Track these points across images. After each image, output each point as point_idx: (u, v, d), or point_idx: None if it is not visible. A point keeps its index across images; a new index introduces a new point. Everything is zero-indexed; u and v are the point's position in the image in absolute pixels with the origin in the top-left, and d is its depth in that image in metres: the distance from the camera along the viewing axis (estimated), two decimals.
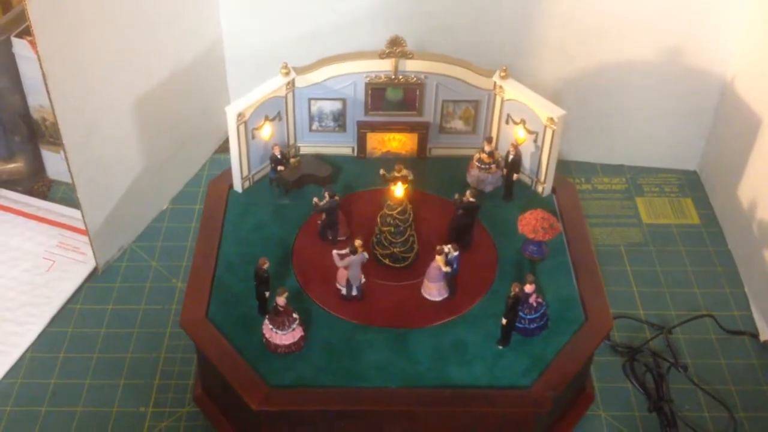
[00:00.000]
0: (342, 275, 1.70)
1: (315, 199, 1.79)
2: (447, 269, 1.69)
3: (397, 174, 1.76)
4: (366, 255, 1.69)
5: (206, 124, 2.32)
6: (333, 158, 2.02)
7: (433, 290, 1.73)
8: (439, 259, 1.68)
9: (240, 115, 1.84)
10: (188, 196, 2.30)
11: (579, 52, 2.25)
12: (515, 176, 1.94)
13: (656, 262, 2.17)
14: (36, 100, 2.20)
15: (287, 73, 1.91)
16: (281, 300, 1.60)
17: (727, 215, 2.25)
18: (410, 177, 1.77)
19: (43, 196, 2.29)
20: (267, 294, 1.67)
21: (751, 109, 2.12)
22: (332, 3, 2.18)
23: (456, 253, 1.72)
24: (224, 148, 2.38)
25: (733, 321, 2.02)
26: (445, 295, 1.73)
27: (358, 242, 1.67)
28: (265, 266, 1.65)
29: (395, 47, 1.89)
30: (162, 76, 2.10)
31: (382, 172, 1.79)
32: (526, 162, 1.96)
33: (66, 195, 2.30)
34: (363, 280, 1.71)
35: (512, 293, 1.61)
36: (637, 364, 1.90)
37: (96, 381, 1.87)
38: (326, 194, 1.78)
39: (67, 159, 1.91)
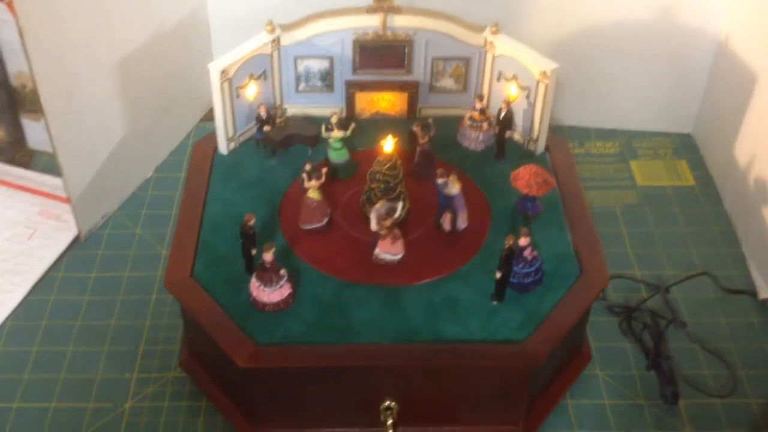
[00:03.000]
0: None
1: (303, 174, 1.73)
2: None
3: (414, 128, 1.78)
4: (373, 224, 1.64)
5: (191, 91, 2.27)
6: (321, 119, 1.95)
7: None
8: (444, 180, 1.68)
9: (223, 72, 1.79)
10: (173, 165, 2.25)
11: (569, 14, 2.20)
12: (507, 134, 1.89)
13: (651, 224, 2.13)
14: (15, 66, 2.15)
15: (272, 30, 1.86)
16: (268, 256, 1.55)
17: (723, 176, 2.21)
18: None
19: (25, 167, 2.23)
20: (254, 252, 1.62)
21: (746, 66, 2.08)
22: None
23: (440, 181, 1.69)
24: (210, 116, 2.31)
25: (730, 280, 1.98)
26: (447, 227, 1.72)
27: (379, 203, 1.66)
28: (251, 222, 1.60)
29: (383, 1, 1.84)
30: (144, 38, 2.05)
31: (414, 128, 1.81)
32: (519, 120, 1.91)
33: (48, 165, 2.24)
34: (398, 257, 1.66)
35: (506, 245, 1.56)
36: (634, 322, 1.85)
37: (79, 348, 1.82)
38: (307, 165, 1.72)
39: (46, 121, 1.86)
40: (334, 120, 1.80)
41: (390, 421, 1.58)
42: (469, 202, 1.78)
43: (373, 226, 1.63)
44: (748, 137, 2.09)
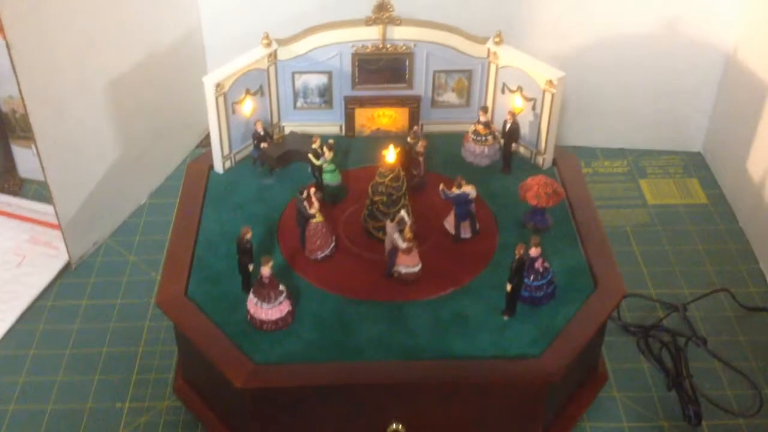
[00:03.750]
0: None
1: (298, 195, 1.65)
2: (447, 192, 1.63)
3: (419, 149, 1.71)
4: (401, 242, 1.55)
5: (186, 116, 2.21)
6: (321, 137, 1.89)
7: (448, 219, 1.66)
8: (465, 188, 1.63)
9: (218, 86, 1.73)
10: (168, 191, 2.18)
11: (573, 27, 2.15)
12: (514, 146, 1.82)
13: (665, 242, 2.05)
14: (5, 90, 2.09)
15: (269, 44, 1.80)
16: (266, 270, 1.47)
17: (737, 193, 2.13)
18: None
19: (14, 195, 2.16)
20: (251, 267, 1.54)
21: (757, 79, 2.03)
22: None
23: (458, 191, 1.64)
24: (207, 142, 2.24)
25: (750, 297, 1.89)
26: (467, 235, 1.65)
27: (401, 213, 1.58)
28: (248, 236, 1.52)
29: (382, 12, 1.78)
30: (137, 59, 1.99)
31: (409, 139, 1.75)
32: (525, 132, 1.84)
33: (39, 194, 2.18)
34: (415, 269, 1.57)
35: (516, 255, 1.48)
36: (652, 341, 1.76)
37: (68, 377, 1.74)
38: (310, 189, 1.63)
39: (36, 144, 1.80)
40: (316, 144, 1.73)
41: None
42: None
43: (402, 244, 1.55)
44: (761, 153, 2.02)
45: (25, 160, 2.18)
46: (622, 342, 1.80)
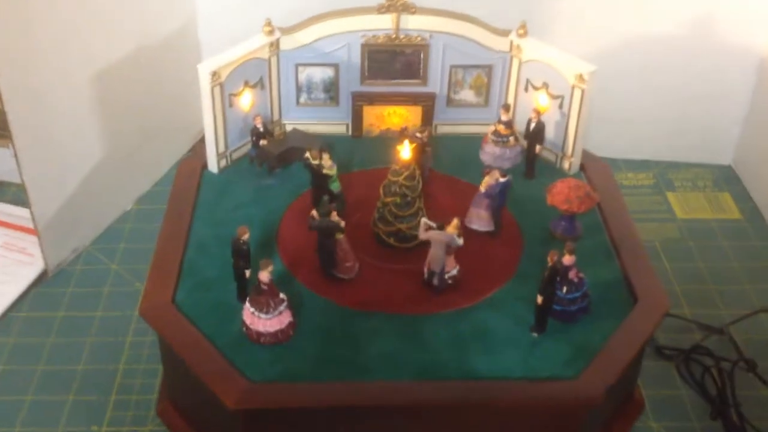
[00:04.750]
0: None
1: (313, 213, 1.46)
2: (482, 189, 1.48)
3: (419, 135, 1.49)
4: (460, 241, 1.38)
5: (178, 117, 2.04)
6: (324, 138, 1.72)
7: (473, 216, 1.49)
8: (484, 180, 1.48)
9: (215, 75, 1.56)
10: (157, 197, 2.00)
11: (594, 28, 1.98)
12: (538, 148, 1.65)
13: (697, 259, 1.88)
14: None
15: (271, 32, 1.64)
16: (264, 275, 1.29)
17: None
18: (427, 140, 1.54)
19: None
20: (248, 273, 1.36)
21: None
22: None
23: (503, 180, 1.48)
24: (200, 147, 2.09)
25: None
26: (487, 228, 1.49)
27: (454, 221, 1.38)
28: (245, 237, 1.35)
29: (396, 0, 1.62)
30: (126, 52, 1.83)
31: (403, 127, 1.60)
32: (550, 134, 1.68)
33: (16, 197, 1.99)
34: (454, 272, 1.40)
35: (549, 263, 1.30)
36: (692, 365, 1.59)
37: (39, 397, 1.55)
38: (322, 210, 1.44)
39: (11, 135, 1.62)
40: (313, 155, 1.54)
41: None
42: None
43: (460, 241, 1.38)
44: None
45: (2, 160, 2.00)
46: (657, 366, 1.63)
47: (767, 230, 1.97)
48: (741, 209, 2.03)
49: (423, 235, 1.39)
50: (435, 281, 1.40)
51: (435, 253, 1.38)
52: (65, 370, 1.59)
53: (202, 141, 1.67)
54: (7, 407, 1.52)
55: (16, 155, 1.66)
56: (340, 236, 1.41)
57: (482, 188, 1.50)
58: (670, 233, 1.95)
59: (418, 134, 1.58)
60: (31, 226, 1.79)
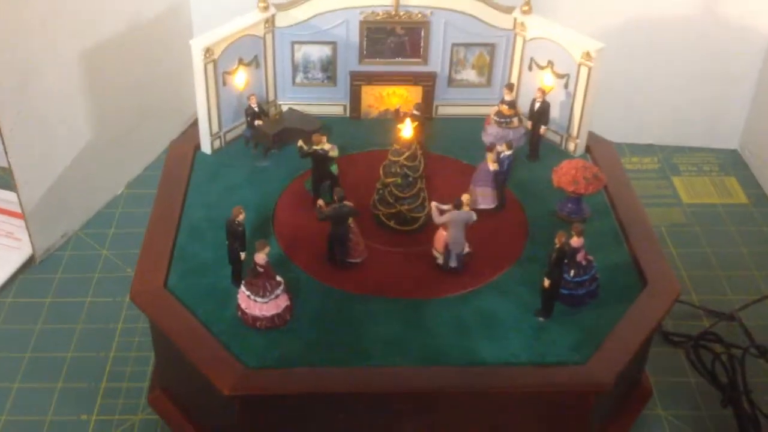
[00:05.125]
0: (439, 238, 1.35)
1: (320, 202, 1.41)
2: (495, 166, 1.42)
3: (417, 112, 1.44)
4: (474, 215, 1.33)
5: (171, 99, 1.98)
6: (321, 119, 1.67)
7: (478, 196, 1.43)
8: (489, 157, 1.43)
9: (208, 51, 1.50)
10: (148, 181, 1.94)
11: (599, 7, 1.93)
12: (543, 129, 1.60)
13: (704, 244, 1.83)
14: None
15: (266, 8, 1.58)
16: (261, 257, 1.24)
17: None
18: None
19: None
20: (243, 256, 1.31)
21: None
22: None
23: (509, 152, 1.44)
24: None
25: None
26: (492, 205, 1.44)
27: (465, 197, 1.32)
28: (240, 217, 1.29)
29: None
30: (116, 28, 1.77)
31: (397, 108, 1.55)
32: (555, 114, 1.63)
33: (2, 181, 1.93)
34: (467, 249, 1.35)
35: (556, 245, 1.25)
36: (702, 351, 1.54)
37: (26, 385, 1.50)
38: (335, 197, 1.39)
39: None
40: (317, 140, 1.47)
41: None
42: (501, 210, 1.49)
43: (475, 217, 1.34)
44: None
45: None
46: (665, 353, 1.58)
47: None
48: (748, 194, 1.98)
49: (440, 219, 1.33)
50: (454, 263, 1.34)
51: (455, 234, 1.33)
52: (54, 357, 1.54)
53: (195, 124, 1.62)
54: None
55: (1, 135, 1.60)
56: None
57: (493, 165, 1.44)
58: (676, 218, 1.90)
59: (416, 111, 1.52)
60: (17, 210, 1.74)
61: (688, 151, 2.11)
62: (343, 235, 1.35)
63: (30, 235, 1.70)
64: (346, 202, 1.34)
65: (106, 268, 1.72)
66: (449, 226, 1.33)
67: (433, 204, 1.35)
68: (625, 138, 2.11)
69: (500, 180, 1.45)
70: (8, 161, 1.63)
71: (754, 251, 1.81)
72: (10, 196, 1.82)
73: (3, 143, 1.61)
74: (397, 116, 1.53)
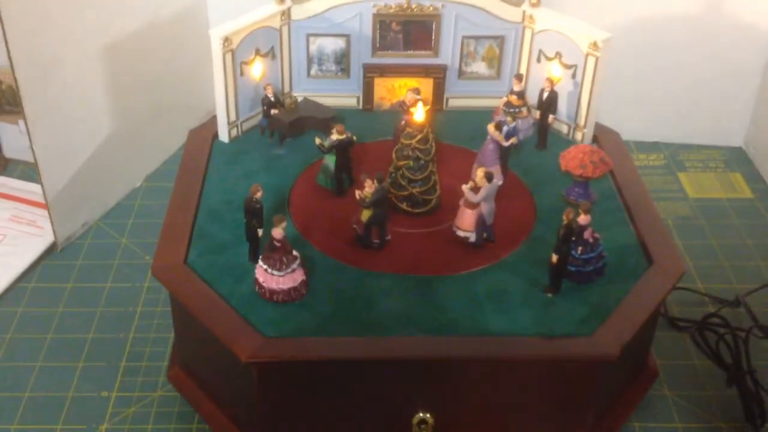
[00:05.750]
0: (468, 218, 1.39)
1: (318, 140, 1.48)
2: (501, 139, 1.49)
3: (417, 96, 1.49)
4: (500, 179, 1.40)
5: (188, 95, 2.03)
6: (335, 111, 1.72)
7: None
8: (492, 130, 1.48)
9: (226, 41, 1.56)
10: (166, 175, 1.99)
11: (604, 5, 1.97)
12: (551, 118, 1.65)
13: (709, 236, 1.87)
14: None
15: (282, 1, 1.63)
16: (278, 232, 1.28)
17: None
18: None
19: None
20: (260, 233, 1.35)
21: None
22: None
23: (514, 124, 1.49)
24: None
25: None
26: (501, 181, 1.47)
27: (479, 172, 1.38)
28: (258, 195, 1.34)
29: None
30: (136, 25, 1.82)
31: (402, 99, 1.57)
32: (562, 106, 1.67)
33: (25, 174, 1.99)
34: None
35: (564, 221, 1.29)
36: (708, 333, 1.57)
37: (48, 364, 1.54)
38: (334, 130, 1.45)
39: (22, 103, 1.61)
40: (339, 130, 1.52)
41: None
42: (510, 191, 1.53)
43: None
44: None
45: (11, 137, 2.00)
46: (670, 337, 1.62)
47: None
48: (753, 189, 2.02)
49: (479, 196, 1.38)
50: (486, 234, 1.40)
51: (490, 206, 1.39)
52: (75, 339, 1.58)
53: (213, 117, 1.67)
54: (17, 372, 1.51)
55: (27, 126, 1.65)
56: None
57: (503, 140, 1.51)
58: (682, 211, 1.94)
59: (417, 96, 1.57)
60: (39, 200, 1.79)
61: (694, 149, 2.15)
62: (385, 216, 1.39)
63: (52, 224, 1.75)
64: (384, 183, 1.38)
65: (125, 256, 1.77)
66: (487, 201, 1.37)
67: (465, 187, 1.38)
68: (632, 136, 2.14)
69: (503, 155, 1.49)
70: (33, 152, 1.68)
71: (758, 243, 1.85)
72: (33, 187, 1.87)
73: (28, 134, 1.66)
74: (402, 107, 1.58)
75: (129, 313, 1.64)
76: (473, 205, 1.38)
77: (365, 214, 1.38)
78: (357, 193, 1.39)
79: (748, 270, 1.77)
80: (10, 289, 1.67)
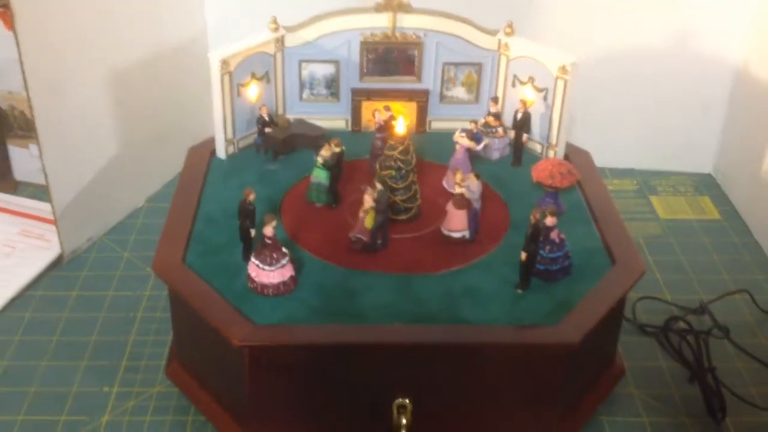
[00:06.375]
0: (460, 218, 1.53)
1: (320, 157, 1.60)
2: (473, 144, 1.65)
3: (389, 113, 1.64)
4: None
5: (187, 123, 2.16)
6: (324, 129, 1.84)
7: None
8: (461, 138, 1.65)
9: (224, 63, 1.69)
10: (166, 196, 2.11)
11: (580, 40, 2.10)
12: (525, 137, 1.77)
13: (679, 252, 1.98)
14: (5, 86, 2.04)
15: (276, 29, 1.77)
16: (269, 230, 1.40)
17: (750, 211, 2.08)
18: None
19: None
20: (252, 233, 1.47)
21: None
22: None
23: (476, 130, 1.66)
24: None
25: None
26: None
27: (458, 176, 1.54)
28: (251, 197, 1.46)
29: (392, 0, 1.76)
30: (138, 55, 1.96)
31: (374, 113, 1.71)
32: (536, 126, 1.80)
33: (34, 195, 2.11)
34: None
35: (532, 221, 1.41)
36: (671, 335, 1.68)
37: (54, 363, 1.64)
38: (332, 144, 1.60)
39: (35, 125, 1.75)
40: (337, 143, 1.64)
41: (404, 422, 1.38)
42: (486, 204, 1.65)
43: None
44: None
45: (22, 161, 2.13)
46: (638, 342, 1.73)
47: (746, 228, 2.07)
48: (720, 211, 2.14)
49: (475, 194, 1.54)
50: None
51: (479, 203, 1.56)
52: (79, 341, 1.69)
53: (211, 138, 1.79)
54: (23, 370, 1.61)
55: (39, 148, 1.77)
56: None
57: (474, 145, 1.67)
58: (653, 231, 2.06)
59: (389, 112, 1.70)
60: (46, 216, 1.91)
61: (665, 175, 2.27)
62: (387, 217, 1.52)
63: (60, 236, 1.86)
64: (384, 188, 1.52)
65: (126, 268, 1.88)
66: (478, 198, 1.53)
67: (461, 191, 1.52)
68: (607, 163, 2.27)
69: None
70: (44, 172, 1.80)
71: (724, 258, 1.97)
72: (41, 205, 2.00)
73: (41, 156, 1.79)
74: (381, 129, 1.71)
75: (130, 318, 1.74)
76: (464, 205, 1.50)
77: (369, 221, 1.49)
78: (366, 199, 1.50)
79: (713, 282, 1.89)
80: (19, 296, 1.78)
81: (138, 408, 1.55)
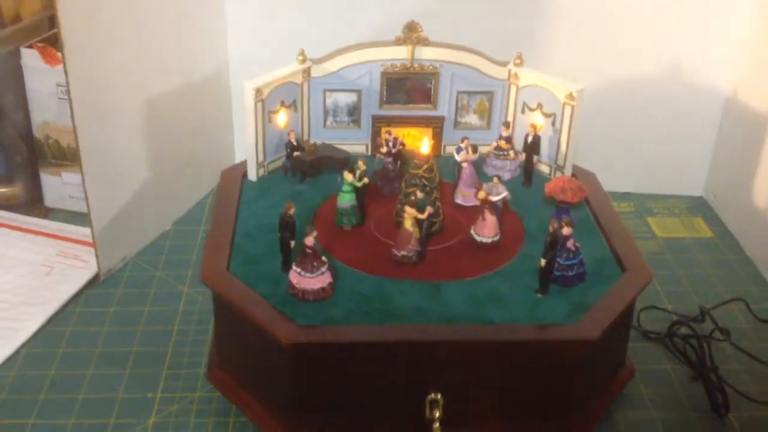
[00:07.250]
0: (490, 225, 1.68)
1: (349, 176, 1.73)
2: (474, 158, 1.80)
3: (388, 137, 1.83)
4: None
5: (211, 150, 2.30)
6: (348, 153, 1.97)
7: (469, 196, 1.77)
8: (461, 156, 1.78)
9: (258, 91, 1.82)
10: (192, 219, 2.24)
11: (579, 71, 2.25)
12: (535, 159, 1.91)
13: (676, 267, 2.12)
14: (40, 116, 2.17)
15: (303, 61, 1.91)
16: (310, 240, 1.52)
17: (742, 229, 2.23)
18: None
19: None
20: (292, 244, 1.59)
21: (757, 116, 2.15)
22: (341, 26, 2.20)
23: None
24: None
25: (764, 312, 1.95)
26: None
27: (482, 191, 1.69)
28: (291, 211, 1.58)
29: (411, 32, 1.90)
30: (172, 85, 2.09)
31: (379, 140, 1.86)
32: (545, 149, 1.94)
33: (65, 221, 2.22)
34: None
35: (550, 230, 1.54)
36: (675, 339, 1.81)
37: (99, 371, 1.74)
38: (359, 164, 1.75)
39: (78, 146, 1.86)
40: (362, 169, 1.77)
41: (437, 414, 1.50)
42: (503, 218, 1.77)
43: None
44: (765, 190, 2.12)
45: (52, 188, 2.24)
46: (644, 347, 1.85)
47: (737, 245, 2.21)
48: (713, 230, 2.28)
49: (502, 197, 1.71)
50: None
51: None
52: (120, 351, 1.79)
53: (242, 162, 1.91)
54: (71, 379, 1.71)
55: (83, 176, 1.88)
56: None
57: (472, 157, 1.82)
58: (651, 248, 2.19)
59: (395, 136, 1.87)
60: (81, 239, 2.02)
61: (661, 198, 2.42)
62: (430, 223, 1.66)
63: (97, 256, 1.97)
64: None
65: (159, 285, 1.99)
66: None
67: (496, 198, 1.70)
68: (606, 186, 2.37)
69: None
70: (86, 195, 1.91)
71: (718, 272, 2.10)
72: (73, 228, 2.12)
73: (83, 183, 1.90)
74: (382, 151, 1.86)
75: (167, 331, 1.85)
76: (495, 212, 1.66)
77: (417, 232, 1.62)
78: (408, 211, 1.61)
79: (710, 294, 2.02)
80: (59, 312, 1.88)
81: (182, 411, 1.65)
